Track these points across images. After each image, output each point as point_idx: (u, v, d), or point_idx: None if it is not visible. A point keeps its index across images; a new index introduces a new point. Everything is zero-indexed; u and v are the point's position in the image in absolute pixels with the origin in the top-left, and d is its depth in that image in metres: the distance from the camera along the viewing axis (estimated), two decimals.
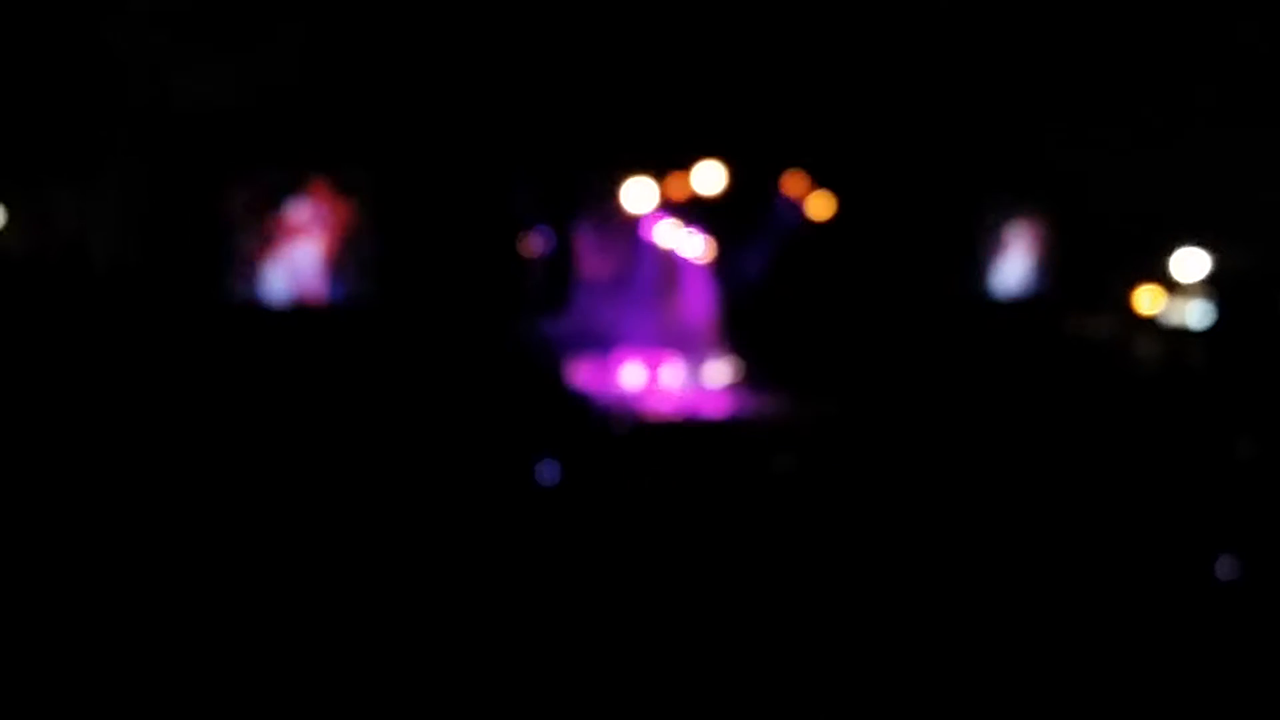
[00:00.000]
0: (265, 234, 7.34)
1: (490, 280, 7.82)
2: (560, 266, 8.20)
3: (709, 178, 8.23)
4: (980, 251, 9.19)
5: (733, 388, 8.72)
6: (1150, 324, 9.22)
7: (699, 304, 8.87)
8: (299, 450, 6.66)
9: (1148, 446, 7.45)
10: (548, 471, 7.24)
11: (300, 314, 7.46)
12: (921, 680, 4.24)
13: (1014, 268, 9.29)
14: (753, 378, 8.76)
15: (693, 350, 8.85)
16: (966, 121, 8.48)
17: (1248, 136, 8.25)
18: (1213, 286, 9.10)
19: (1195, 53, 7.92)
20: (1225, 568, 5.22)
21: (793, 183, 8.54)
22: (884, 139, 8.42)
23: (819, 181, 8.59)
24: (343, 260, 7.53)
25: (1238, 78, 8.02)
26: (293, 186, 7.37)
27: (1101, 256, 9.18)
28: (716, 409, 8.29)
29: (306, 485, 6.15)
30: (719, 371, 8.83)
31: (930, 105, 8.33)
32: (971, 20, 7.83)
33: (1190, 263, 9.08)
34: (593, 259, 8.50)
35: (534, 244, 8.03)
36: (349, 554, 5.20)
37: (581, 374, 8.23)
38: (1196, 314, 9.18)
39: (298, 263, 7.44)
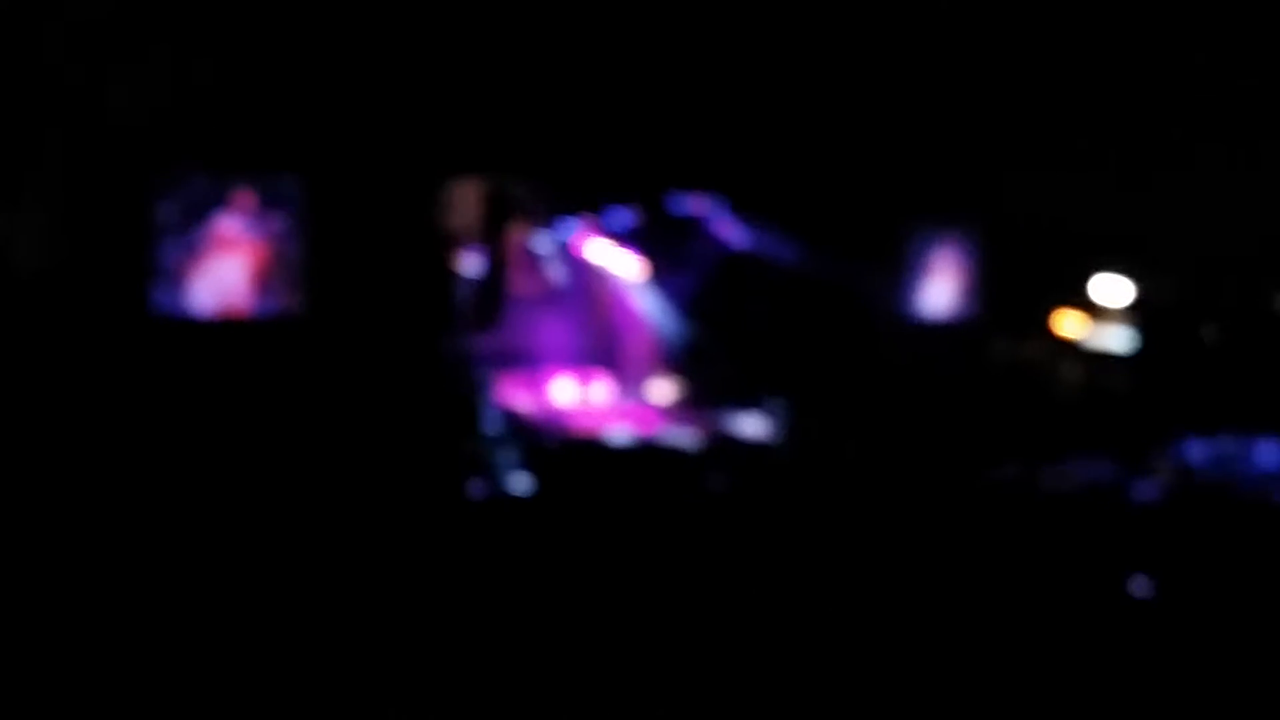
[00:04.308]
0: (192, 245, 7.24)
1: (421, 295, 7.77)
2: (492, 282, 8.17)
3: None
4: (907, 275, 9.29)
5: (664, 406, 8.74)
6: (1074, 348, 9.37)
7: (631, 322, 8.88)
8: (221, 465, 6.57)
9: (1066, 466, 7.56)
10: (477, 487, 7.20)
11: (226, 327, 7.36)
12: (851, 701, 4.26)
13: (941, 291, 9.39)
14: (684, 397, 8.78)
15: (624, 368, 8.86)
16: (896, 146, 8.58)
17: (1171, 166, 8.43)
18: (1135, 312, 9.27)
19: (1121, 84, 8.08)
20: (1140, 587, 5.31)
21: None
22: (814, 163, 8.49)
23: (750, 205, 8.65)
24: (270, 273, 7.44)
25: (1162, 110, 8.19)
26: (221, 198, 7.29)
27: (1027, 281, 9.31)
28: (647, 427, 8.29)
29: (228, 501, 6.06)
30: (650, 390, 8.84)
31: (860, 130, 8.42)
32: (900, 47, 7.93)
33: (1113, 288, 9.24)
34: (525, 276, 8.48)
35: (466, 259, 8.00)
36: (271, 571, 5.13)
37: (511, 390, 8.20)
38: (1119, 339, 9.34)
39: (224, 275, 7.35)
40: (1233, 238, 8.66)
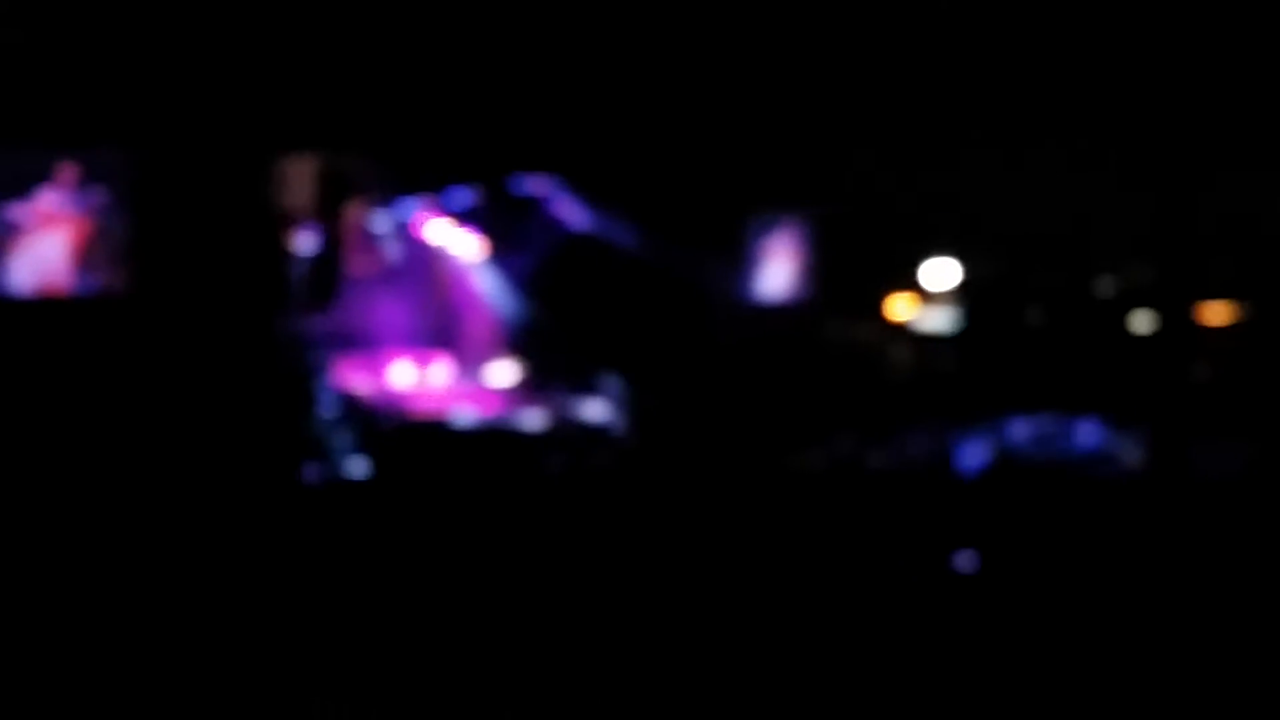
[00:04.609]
0: (9, 222, 6.94)
1: (254, 274, 7.58)
2: (328, 262, 8.02)
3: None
4: (744, 258, 9.42)
5: (504, 388, 8.70)
6: (903, 330, 9.63)
7: (470, 303, 8.81)
8: (42, 450, 6.34)
9: (895, 443, 7.78)
10: (313, 471, 7.09)
11: (45, 306, 7.08)
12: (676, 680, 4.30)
13: (777, 275, 9.55)
14: (525, 378, 8.76)
15: (464, 350, 8.79)
16: (734, 133, 8.68)
17: (997, 155, 8.70)
18: (962, 295, 9.57)
19: (948, 73, 8.30)
20: (964, 562, 5.47)
21: None
22: (654, 146, 8.54)
23: (588, 188, 8.67)
24: (92, 250, 7.17)
25: (988, 98, 8.43)
26: (40, 172, 6.99)
27: (860, 266, 9.53)
28: (487, 409, 8.25)
29: (50, 488, 5.85)
30: (490, 371, 8.79)
31: (700, 116, 8.49)
32: (738, 37, 8.02)
33: (941, 272, 9.51)
34: (362, 255, 8.35)
35: (301, 238, 7.83)
36: (98, 560, 4.97)
37: (349, 372, 8.07)
38: (946, 321, 9.63)
39: (44, 252, 7.06)
40: (1056, 222, 9.00)
